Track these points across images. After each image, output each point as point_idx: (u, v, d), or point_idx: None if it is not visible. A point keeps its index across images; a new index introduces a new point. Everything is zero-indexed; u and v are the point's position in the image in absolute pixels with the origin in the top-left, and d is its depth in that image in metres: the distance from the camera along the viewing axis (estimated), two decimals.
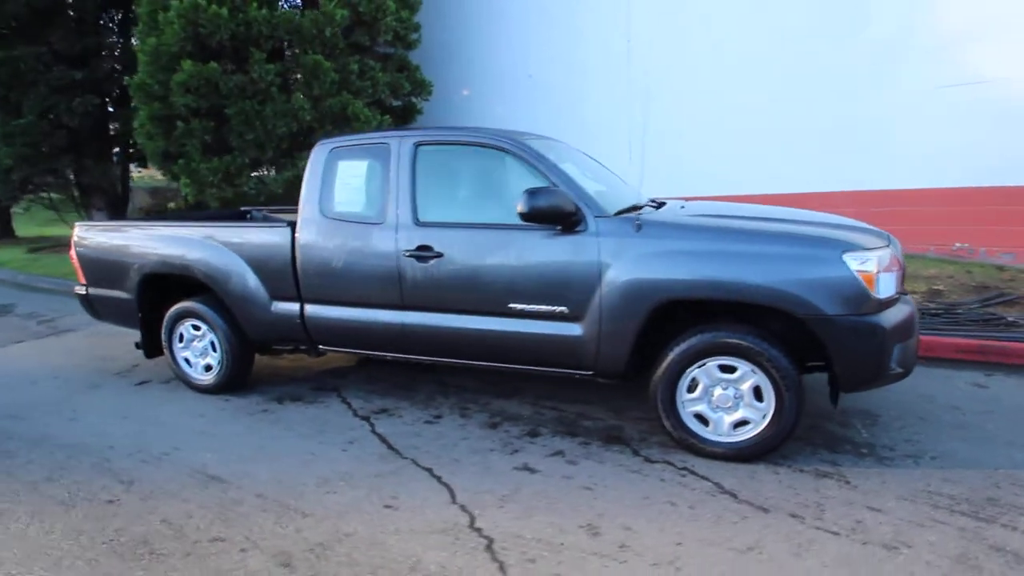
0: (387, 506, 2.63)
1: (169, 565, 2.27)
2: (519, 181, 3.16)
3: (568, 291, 2.95)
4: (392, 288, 3.32)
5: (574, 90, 9.29)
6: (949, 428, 3.15)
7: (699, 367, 2.83)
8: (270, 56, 7.59)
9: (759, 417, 2.79)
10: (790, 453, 2.93)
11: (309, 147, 8.21)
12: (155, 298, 4.15)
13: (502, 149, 3.19)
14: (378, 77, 8.35)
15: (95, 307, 4.37)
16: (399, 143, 3.37)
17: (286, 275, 3.61)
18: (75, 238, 4.36)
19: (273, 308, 3.69)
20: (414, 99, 9.44)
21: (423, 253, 3.21)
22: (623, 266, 2.83)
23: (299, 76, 7.76)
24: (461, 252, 3.14)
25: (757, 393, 2.77)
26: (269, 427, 3.53)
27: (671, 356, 2.85)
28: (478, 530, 2.43)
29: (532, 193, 2.82)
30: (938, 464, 2.80)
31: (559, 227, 2.95)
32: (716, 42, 7.72)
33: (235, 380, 4.01)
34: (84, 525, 2.56)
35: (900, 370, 2.70)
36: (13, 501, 2.78)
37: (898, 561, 2.16)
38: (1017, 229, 5.97)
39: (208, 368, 4.05)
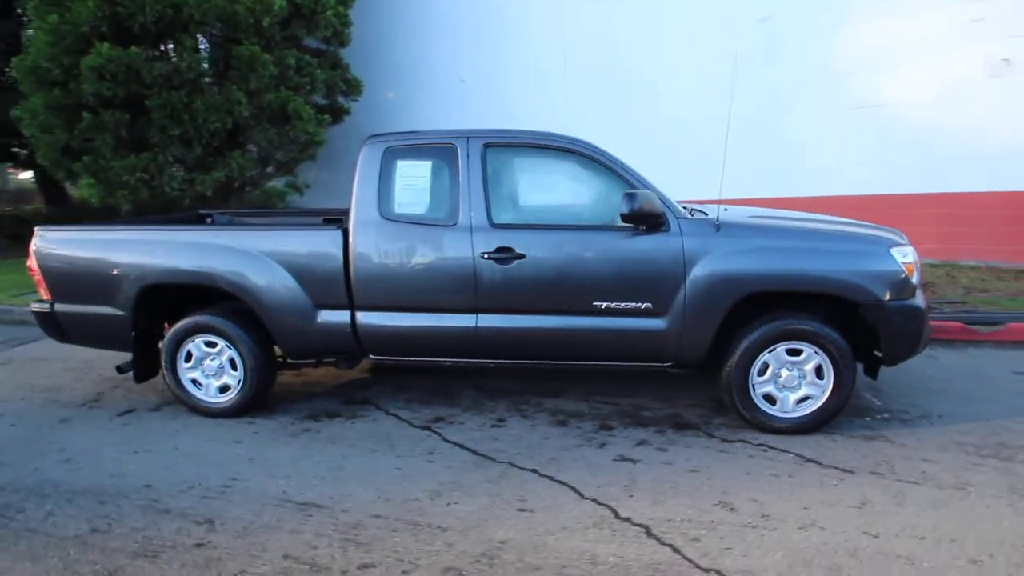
0: (521, 509, 2.62)
1: None
2: (591, 183, 3.30)
3: (653, 288, 3.14)
4: (467, 291, 3.26)
5: (508, 101, 9.47)
6: (935, 393, 3.82)
7: (769, 352, 3.16)
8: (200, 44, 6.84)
9: (820, 393, 3.18)
10: (834, 423, 3.38)
11: (242, 146, 7.63)
12: (152, 314, 3.63)
13: (573, 152, 3.29)
14: (316, 74, 7.88)
15: (63, 326, 3.69)
16: (466, 144, 3.32)
17: (336, 282, 3.37)
18: (35, 246, 3.65)
19: (319, 318, 3.42)
20: (342, 99, 9.01)
21: (503, 255, 3.20)
22: (709, 263, 3.08)
23: (233, 68, 7.07)
24: (544, 253, 3.19)
25: (818, 372, 3.17)
26: (327, 446, 3.27)
27: (744, 344, 3.15)
28: (627, 520, 2.52)
29: (632, 196, 2.97)
30: (946, 421, 3.40)
31: (643, 227, 3.12)
32: (651, 61, 8.35)
33: (256, 401, 3.64)
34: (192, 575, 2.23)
35: (924, 346, 3.26)
36: (75, 563, 2.32)
37: (972, 498, 2.62)
38: (905, 230, 7.24)
39: (224, 389, 3.62)
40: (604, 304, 3.19)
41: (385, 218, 3.32)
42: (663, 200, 3.14)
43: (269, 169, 8.24)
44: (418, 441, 3.31)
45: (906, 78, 6.97)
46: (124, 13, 6.25)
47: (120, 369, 3.81)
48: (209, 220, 4.93)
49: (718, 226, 3.13)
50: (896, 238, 3.20)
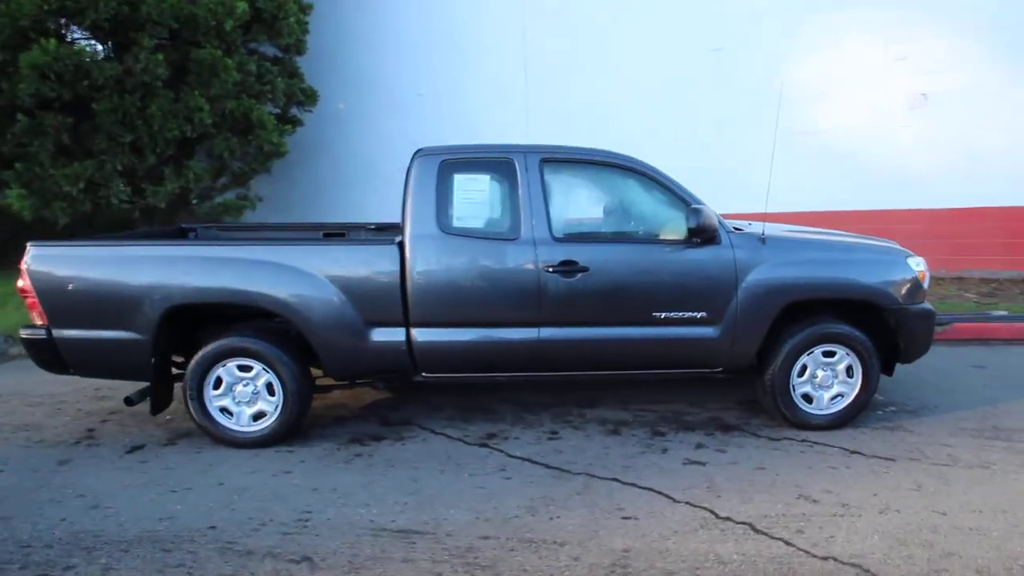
0: (624, 518, 2.65)
1: None
2: (643, 197, 3.44)
3: (708, 297, 3.32)
4: (530, 304, 3.26)
5: (468, 115, 9.51)
6: (925, 386, 4.28)
7: (808, 355, 3.44)
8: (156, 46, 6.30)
9: (850, 391, 3.50)
10: (858, 418, 3.71)
11: (195, 156, 7.10)
12: (170, 338, 3.29)
13: (625, 167, 3.42)
14: (276, 82, 7.50)
15: (64, 355, 3.25)
16: (524, 158, 3.35)
17: (391, 298, 3.25)
18: (28, 264, 3.20)
19: (371, 336, 3.27)
20: (295, 110, 8.63)
21: (568, 268, 3.24)
22: (759, 273, 3.31)
23: (191, 72, 6.57)
24: (607, 266, 3.27)
25: (848, 371, 3.49)
26: (389, 470, 3.12)
27: (787, 348, 3.40)
28: (728, 519, 2.63)
29: (698, 211, 3.14)
30: (942, 411, 3.84)
31: (697, 240, 3.30)
32: (610, 82, 8.74)
33: (294, 427, 3.40)
34: None
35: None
36: None
37: (998, 475, 2.99)
38: None
39: (258, 417, 3.35)
40: (663, 314, 3.32)
41: (444, 232, 3.26)
42: (714, 214, 3.35)
43: (222, 181, 7.71)
44: (483, 458, 3.25)
45: (839, 108, 7.82)
46: (74, 8, 5.65)
47: (129, 401, 3.41)
48: (192, 235, 4.56)
49: (763, 239, 3.38)
50: (909, 249, 3.61)
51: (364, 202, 9.64)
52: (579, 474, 3.07)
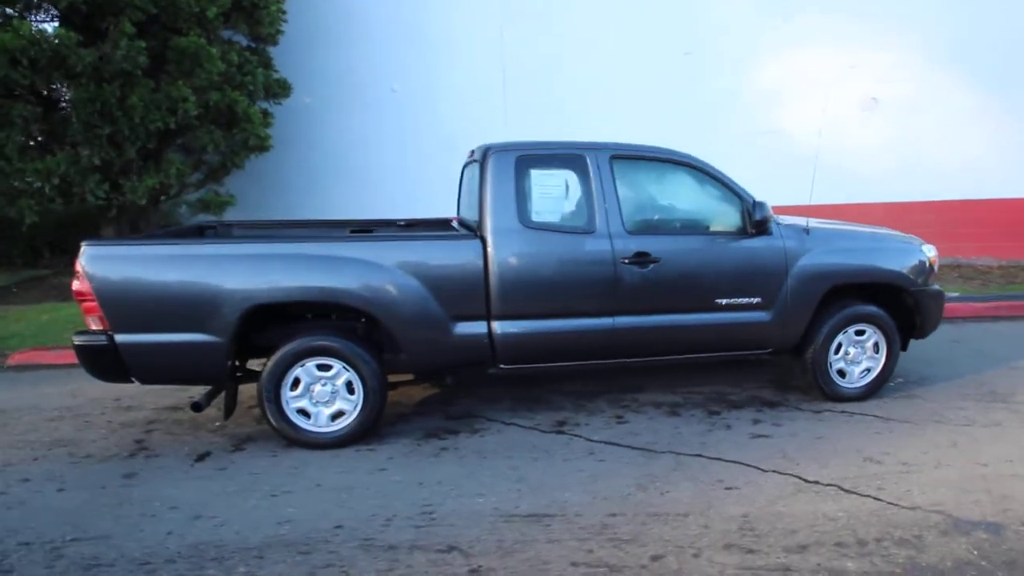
0: (728, 488, 2.87)
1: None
2: (687, 194, 3.68)
3: (763, 284, 3.61)
4: (606, 294, 3.41)
5: (444, 113, 9.47)
6: (916, 360, 4.78)
7: (843, 334, 3.81)
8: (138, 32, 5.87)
9: (876, 365, 3.91)
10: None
11: (180, 149, 6.70)
12: (243, 339, 3.17)
13: (688, 164, 3.64)
14: (256, 73, 7.18)
15: (127, 361, 3.04)
16: (595, 155, 3.49)
17: (475, 292, 3.30)
18: (86, 266, 2.96)
19: (455, 330, 3.30)
20: (266, 103, 8.27)
21: (641, 259, 3.42)
22: (806, 261, 3.64)
23: (170, 61, 6.16)
24: (675, 257, 3.48)
25: (876, 347, 3.90)
26: (484, 461, 3.18)
27: (826, 328, 3.76)
28: (817, 482, 2.91)
29: (761, 205, 3.42)
30: (944, 380, 4.33)
31: (753, 231, 3.57)
32: (587, 84, 8.99)
33: (371, 426, 3.37)
34: None
35: None
36: None
37: (1009, 430, 3.47)
38: None
39: (336, 416, 3.30)
40: (725, 301, 3.58)
41: (525, 226, 3.34)
42: None
43: (195, 176, 7.29)
44: (566, 444, 3.37)
45: (800, 109, 8.49)
46: None
47: (198, 407, 3.25)
48: (213, 230, 4.36)
49: (808, 230, 3.71)
50: (919, 238, 4.07)
51: (332, 199, 9.40)
52: (664, 452, 3.26)
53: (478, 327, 3.35)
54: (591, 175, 3.46)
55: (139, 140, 6.00)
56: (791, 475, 2.99)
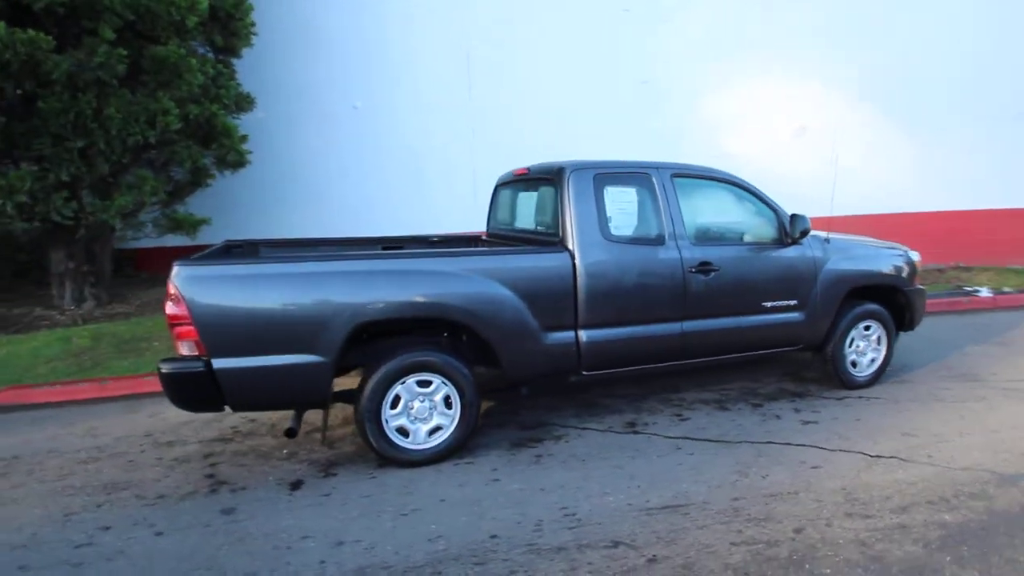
0: (813, 467, 3.23)
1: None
2: (735, 209, 4.09)
3: (798, 288, 4.07)
4: (677, 301, 3.69)
5: (409, 131, 9.47)
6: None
7: (855, 330, 4.37)
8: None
9: (879, 356, 4.51)
10: None
11: (145, 165, 6.23)
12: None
13: (733, 183, 4.05)
14: (231, 86, 6.84)
15: (225, 387, 2.84)
16: (658, 173, 3.79)
17: (566, 302, 3.44)
18: (182, 287, 2.75)
19: (546, 340, 3.41)
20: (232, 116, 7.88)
21: (705, 268, 3.74)
22: (829, 267, 4.15)
23: (146, 72, 5.72)
24: (730, 265, 3.84)
25: (879, 340, 4.49)
26: (588, 463, 3.32)
27: (843, 325, 4.29)
28: (879, 456, 3.34)
29: (803, 218, 3.88)
30: (924, 365, 5.02)
31: (789, 242, 4.02)
32: (550, 100, 9.37)
33: (466, 439, 3.38)
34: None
35: None
36: None
37: (996, 404, 4.15)
38: None
39: (434, 431, 3.28)
40: (770, 304, 3.99)
41: (607, 239, 3.55)
42: None
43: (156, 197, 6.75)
44: (649, 443, 3.58)
45: (746, 135, 9.43)
46: None
47: (292, 432, 3.10)
48: (242, 248, 4.18)
49: (828, 240, 4.24)
50: (904, 245, 4.76)
51: (290, 217, 9.09)
52: (740, 442, 3.57)
53: (567, 336, 3.50)
54: (657, 191, 3.75)
55: (115, 155, 5.50)
56: (855, 452, 3.41)
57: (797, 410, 4.09)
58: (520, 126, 9.42)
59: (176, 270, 2.80)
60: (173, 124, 5.73)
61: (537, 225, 4.04)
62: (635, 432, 3.76)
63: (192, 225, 6.60)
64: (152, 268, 8.73)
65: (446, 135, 9.49)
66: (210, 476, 3.24)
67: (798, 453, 3.42)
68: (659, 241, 3.70)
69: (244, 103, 7.62)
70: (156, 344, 5.63)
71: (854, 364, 4.45)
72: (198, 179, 6.79)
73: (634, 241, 3.66)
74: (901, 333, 4.74)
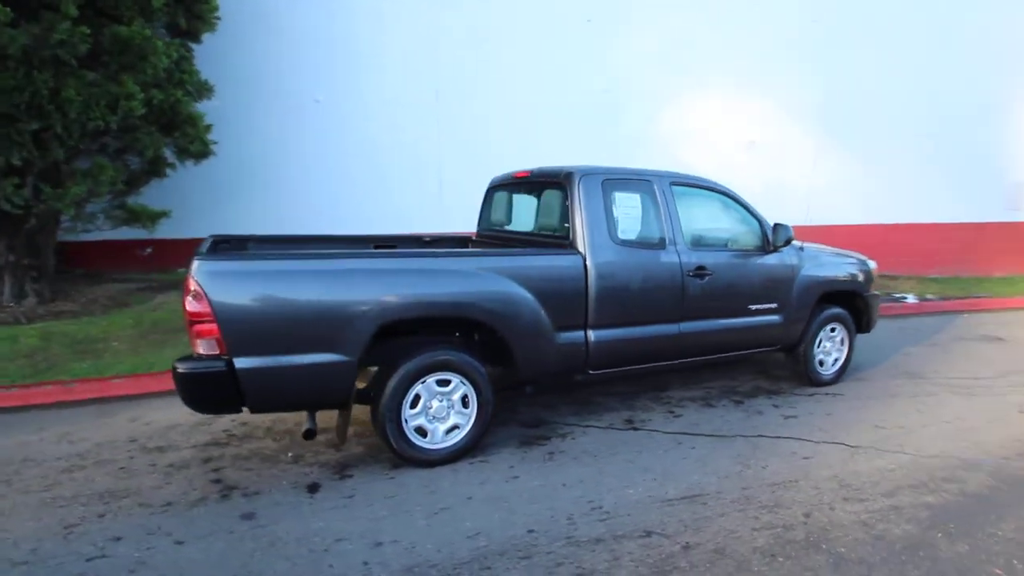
0: (805, 458, 3.49)
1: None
2: (724, 216, 4.34)
3: (779, 292, 4.37)
4: (676, 303, 3.88)
5: (374, 127, 9.33)
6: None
7: (823, 331, 4.74)
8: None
9: (842, 355, 4.91)
10: None
11: (99, 152, 5.84)
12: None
13: (723, 193, 4.29)
14: (193, 72, 6.50)
15: (245, 388, 2.73)
16: (659, 180, 3.97)
17: (578, 303, 3.54)
18: (203, 284, 2.62)
19: (558, 339, 3.49)
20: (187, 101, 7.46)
21: (700, 272, 3.95)
22: (804, 273, 4.49)
23: (107, 52, 5.34)
24: (723, 270, 4.07)
25: (842, 341, 4.89)
26: (600, 460, 3.42)
27: (814, 327, 4.65)
28: (859, 446, 3.66)
29: (787, 227, 4.17)
30: (871, 366, 5.51)
31: (771, 249, 4.32)
32: (515, 103, 9.48)
33: (480, 438, 3.41)
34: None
35: None
36: None
37: (945, 399, 4.62)
38: None
39: (451, 430, 3.29)
40: (754, 307, 4.26)
41: (615, 243, 3.68)
42: None
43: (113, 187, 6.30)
44: (651, 438, 3.74)
45: (699, 147, 9.92)
46: None
47: (311, 433, 3.02)
48: (224, 247, 4.01)
49: (802, 248, 4.58)
50: (863, 254, 5.20)
51: (245, 211, 8.74)
52: (734, 436, 3.80)
53: (577, 335, 3.59)
54: (658, 198, 3.93)
55: (72, 139, 5.09)
56: (837, 443, 3.71)
57: (776, 406, 4.40)
58: (486, 128, 9.49)
59: (197, 265, 2.67)
60: (137, 109, 5.37)
61: (540, 227, 4.12)
62: (635, 429, 3.91)
63: (150, 218, 6.20)
64: (88, 264, 8.10)
65: (413, 134, 9.41)
66: (216, 481, 3.09)
67: (787, 445, 3.69)
68: (660, 245, 3.88)
69: (203, 91, 7.24)
70: (115, 345, 5.26)
71: (821, 363, 4.83)
72: (156, 169, 6.39)
73: (638, 245, 3.81)
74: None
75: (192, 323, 2.69)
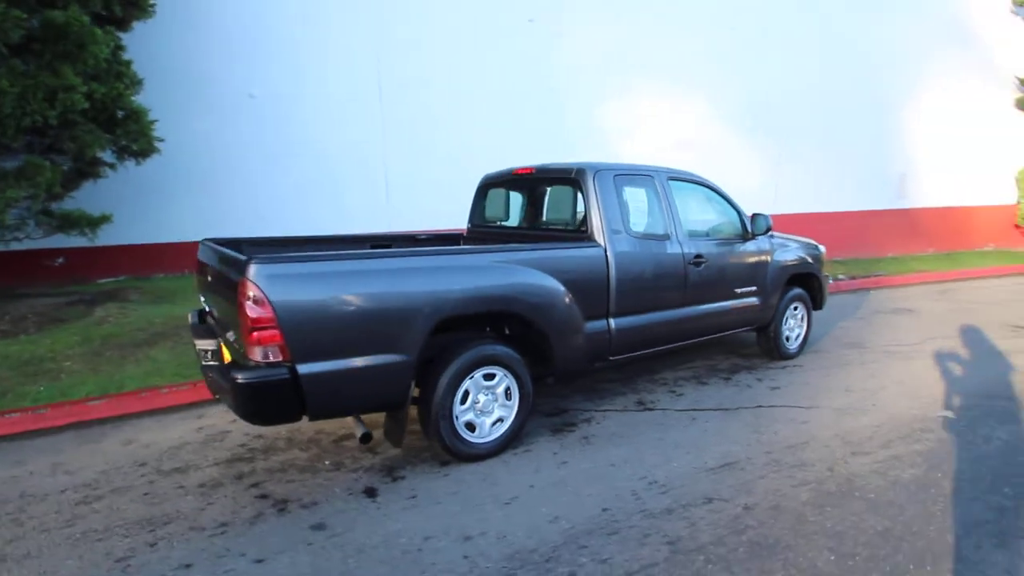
0: (803, 422, 3.90)
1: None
2: (711, 208, 4.70)
3: (757, 276, 4.80)
4: (680, 289, 4.16)
5: (317, 125, 8.98)
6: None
7: (788, 310, 5.26)
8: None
9: (802, 331, 5.47)
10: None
11: (32, 149, 5.28)
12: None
13: (707, 186, 4.64)
14: (127, 62, 5.94)
15: (308, 395, 2.61)
16: (657, 175, 4.23)
17: (603, 293, 3.70)
18: (265, 288, 2.47)
19: (586, 329, 3.64)
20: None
21: (698, 260, 4.25)
22: (775, 258, 4.95)
23: (38, 40, 4.76)
24: (715, 258, 4.41)
25: (802, 319, 5.45)
26: (631, 440, 3.62)
27: (782, 307, 5.15)
28: (840, 409, 4.14)
29: (765, 217, 4.58)
30: (818, 340, 6.18)
31: (749, 236, 4.73)
32: (459, 100, 9.48)
33: (521, 430, 3.48)
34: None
35: None
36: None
37: (889, 363, 5.30)
38: None
39: (496, 423, 3.34)
40: (739, 290, 4.65)
41: (629, 234, 3.88)
42: None
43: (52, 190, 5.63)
44: (666, 416, 4.01)
45: (636, 142, 10.46)
46: None
47: (368, 437, 2.93)
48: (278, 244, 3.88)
49: (772, 236, 5.05)
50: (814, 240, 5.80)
51: (179, 216, 8.16)
52: (737, 408, 4.15)
53: (601, 324, 3.76)
54: (660, 192, 4.19)
55: (6, 137, 4.50)
56: (824, 407, 4.17)
57: (759, 380, 4.83)
58: (431, 126, 9.43)
59: (256, 269, 2.52)
60: (80, 103, 4.85)
61: (549, 221, 4.24)
62: (648, 409, 4.16)
63: (90, 223, 5.61)
64: None
65: (357, 132, 9.16)
66: (263, 497, 2.94)
67: (784, 412, 4.09)
68: (665, 236, 4.14)
69: (132, 84, 6.63)
70: (68, 365, 4.73)
71: (787, 339, 5.35)
72: (90, 170, 5.78)
73: (648, 236, 4.05)
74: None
75: (252, 330, 2.54)
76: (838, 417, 3.99)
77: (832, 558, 2.43)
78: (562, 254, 3.57)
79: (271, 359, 2.58)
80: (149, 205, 8.10)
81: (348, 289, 2.74)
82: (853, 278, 9.86)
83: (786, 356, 5.33)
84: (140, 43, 7.00)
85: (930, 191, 12.58)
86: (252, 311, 2.53)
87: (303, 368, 2.63)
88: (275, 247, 4.15)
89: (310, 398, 2.67)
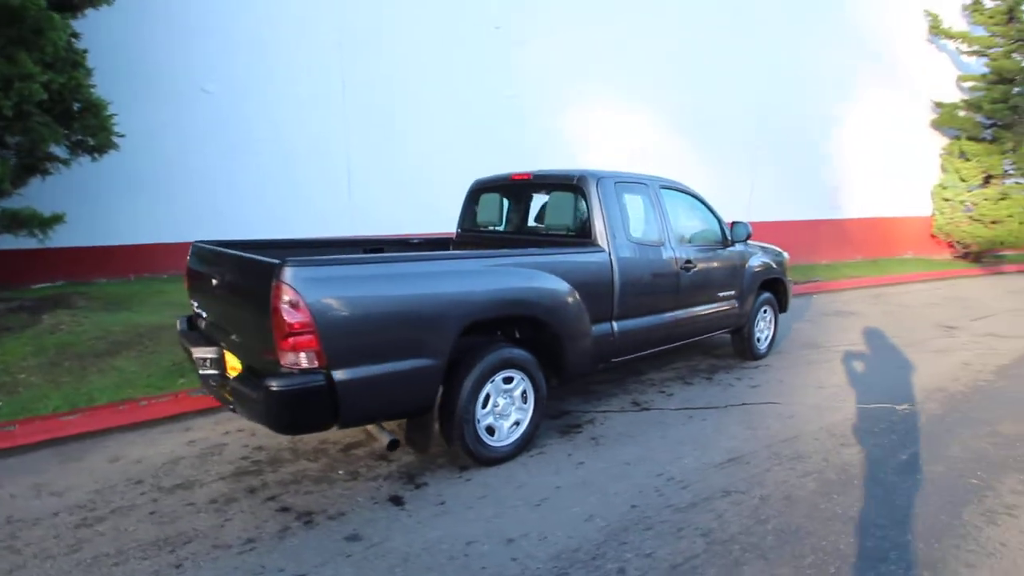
0: (788, 417, 4.16)
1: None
2: (696, 215, 4.93)
3: (735, 280, 5.06)
4: (673, 293, 4.33)
5: (277, 120, 8.68)
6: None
7: (759, 312, 5.57)
8: None
9: (770, 332, 5.81)
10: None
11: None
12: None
13: (690, 194, 4.85)
14: (82, 51, 5.53)
15: (343, 401, 2.53)
16: (652, 184, 4.38)
17: (609, 297, 3.80)
18: (302, 292, 2.38)
19: (593, 333, 3.72)
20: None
21: (688, 265, 4.44)
22: (750, 264, 5.24)
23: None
24: (703, 263, 4.62)
25: (770, 321, 5.79)
26: (637, 439, 3.73)
27: (755, 309, 5.45)
28: (816, 404, 4.43)
29: (746, 225, 4.83)
30: (781, 339, 6.58)
31: (729, 243, 4.98)
32: (422, 101, 9.41)
33: (535, 431, 3.51)
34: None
35: None
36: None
37: (848, 361, 5.72)
38: None
39: (512, 426, 3.35)
40: (721, 294, 4.89)
41: (630, 240, 4.00)
42: None
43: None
44: (664, 415, 4.15)
45: (595, 152, 10.74)
46: None
47: (396, 444, 2.86)
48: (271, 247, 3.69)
49: (746, 242, 5.34)
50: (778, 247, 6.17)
51: (127, 215, 7.70)
52: (726, 406, 4.36)
53: (606, 327, 3.86)
54: (654, 200, 4.36)
55: None
56: (804, 403, 4.46)
57: (738, 379, 5.10)
58: (394, 126, 9.32)
59: (292, 272, 2.43)
60: (38, 94, 4.47)
61: (549, 227, 4.31)
62: (645, 409, 4.30)
63: (42, 224, 5.15)
64: None
65: (320, 129, 8.93)
66: (285, 510, 2.82)
67: (771, 409, 4.34)
68: (660, 242, 4.31)
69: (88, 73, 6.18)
70: (23, 377, 4.34)
71: (758, 340, 5.68)
72: (39, 165, 5.32)
73: (647, 242, 4.20)
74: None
75: (288, 335, 2.44)
76: (820, 412, 4.27)
77: (852, 540, 2.62)
78: (571, 258, 3.64)
79: (306, 365, 2.50)
80: (97, 203, 7.55)
81: (383, 292, 2.69)
82: (796, 283, 10.53)
83: (757, 356, 5.64)
84: (92, 31, 6.54)
85: (859, 202, 13.63)
86: (289, 316, 2.44)
87: (338, 374, 2.56)
88: (262, 249, 3.98)
89: (344, 405, 2.60)
